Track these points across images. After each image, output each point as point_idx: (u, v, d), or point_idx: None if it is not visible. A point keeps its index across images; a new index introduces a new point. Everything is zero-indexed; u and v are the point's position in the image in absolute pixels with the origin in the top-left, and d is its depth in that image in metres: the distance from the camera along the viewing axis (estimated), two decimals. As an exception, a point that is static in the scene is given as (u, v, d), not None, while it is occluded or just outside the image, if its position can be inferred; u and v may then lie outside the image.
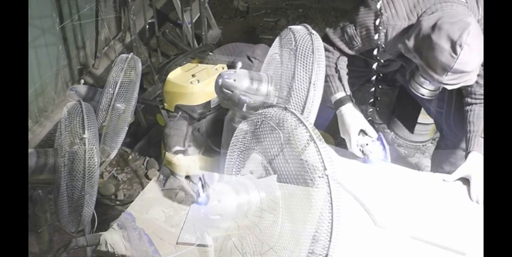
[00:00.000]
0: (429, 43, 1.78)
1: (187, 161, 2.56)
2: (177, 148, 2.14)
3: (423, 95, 1.97)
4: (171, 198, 1.96)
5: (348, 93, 2.09)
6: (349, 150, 2.06)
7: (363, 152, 2.04)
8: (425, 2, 1.91)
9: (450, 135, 2.37)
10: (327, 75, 2.03)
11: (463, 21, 1.77)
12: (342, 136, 2.10)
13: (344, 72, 2.12)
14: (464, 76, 1.78)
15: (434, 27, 1.79)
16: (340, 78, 2.10)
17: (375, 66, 2.11)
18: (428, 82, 1.91)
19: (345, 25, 2.06)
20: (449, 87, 1.86)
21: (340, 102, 2.08)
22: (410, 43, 1.85)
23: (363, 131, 2.05)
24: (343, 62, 2.14)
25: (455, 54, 1.72)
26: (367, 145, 2.03)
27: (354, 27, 2.03)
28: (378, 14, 1.94)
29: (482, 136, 1.97)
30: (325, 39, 2.09)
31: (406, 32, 1.92)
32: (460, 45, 1.71)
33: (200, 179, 1.87)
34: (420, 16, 1.91)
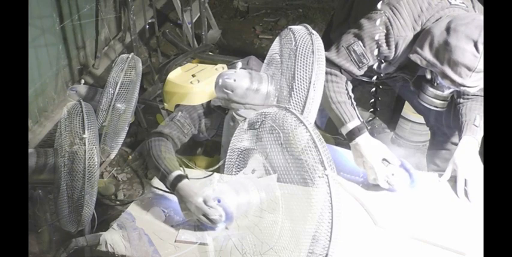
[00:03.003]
0: (448, 47, 1.76)
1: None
2: (177, 172, 1.81)
3: (437, 107, 1.95)
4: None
5: (362, 120, 1.93)
6: (371, 182, 1.90)
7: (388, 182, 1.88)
8: (429, 11, 1.89)
9: (444, 133, 2.36)
10: (337, 103, 1.92)
11: (477, 19, 1.77)
12: (359, 167, 1.93)
13: (352, 97, 2.00)
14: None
15: (448, 31, 1.78)
16: (353, 105, 1.95)
17: (375, 66, 2.11)
18: (440, 92, 1.90)
19: (351, 44, 1.95)
20: (472, 90, 1.83)
21: (357, 131, 1.90)
22: (426, 52, 1.82)
23: (384, 160, 1.89)
24: (350, 86, 2.01)
25: (478, 53, 1.71)
26: (393, 175, 1.87)
27: (361, 44, 1.94)
28: (387, 26, 1.90)
29: (475, 124, 1.98)
30: (329, 64, 1.93)
31: (413, 42, 1.90)
32: (482, 43, 1.70)
33: (219, 202, 1.67)
34: (423, 25, 1.89)
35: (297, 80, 1.68)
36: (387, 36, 1.91)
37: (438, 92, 1.92)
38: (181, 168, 1.83)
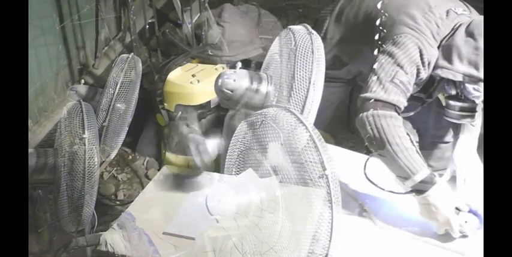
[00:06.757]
0: (480, 52, 1.73)
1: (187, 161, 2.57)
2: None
3: (467, 120, 1.90)
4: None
5: (428, 168, 1.73)
6: (441, 233, 1.72)
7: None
8: (444, 25, 1.86)
9: (432, 134, 2.35)
10: (405, 150, 1.70)
11: None
12: (428, 219, 1.73)
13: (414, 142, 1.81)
14: None
15: (473, 36, 1.75)
16: (418, 152, 1.73)
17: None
18: (470, 104, 1.85)
19: (393, 75, 1.79)
20: None
21: (429, 182, 1.68)
22: (457, 65, 1.77)
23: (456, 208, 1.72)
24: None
25: None
26: (466, 222, 1.70)
27: (404, 72, 1.80)
28: (419, 46, 1.82)
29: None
30: (381, 105, 1.76)
31: (437, 58, 1.85)
32: None
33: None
34: (442, 41, 1.85)
35: (297, 80, 1.68)
36: (422, 57, 1.83)
37: (466, 105, 1.86)
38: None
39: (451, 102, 1.90)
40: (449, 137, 2.22)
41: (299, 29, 1.76)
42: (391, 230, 1.76)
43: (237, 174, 1.67)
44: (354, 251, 1.66)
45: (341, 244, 1.33)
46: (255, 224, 1.51)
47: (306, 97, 1.66)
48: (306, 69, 1.67)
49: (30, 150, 1.80)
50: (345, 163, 2.07)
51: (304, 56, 1.68)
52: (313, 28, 1.76)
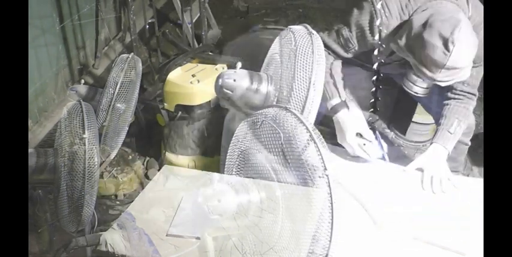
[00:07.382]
0: (421, 41, 1.79)
1: (187, 161, 2.57)
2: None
3: (417, 93, 1.97)
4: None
5: (343, 99, 2.07)
6: (352, 155, 2.06)
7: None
8: (416, 1, 1.91)
9: None
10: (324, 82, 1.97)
11: (454, 18, 1.78)
12: (340, 142, 2.07)
13: (339, 76, 2.11)
14: (458, 72, 1.80)
15: (425, 25, 1.80)
16: (335, 84, 2.07)
17: (375, 66, 2.11)
18: (421, 80, 1.92)
19: (340, 28, 2.04)
20: (443, 84, 1.86)
21: (337, 107, 2.06)
22: (402, 42, 1.86)
23: (359, 134, 2.05)
24: (338, 66, 2.13)
25: (448, 51, 1.73)
26: (364, 145, 2.04)
27: (348, 30, 2.02)
28: (372, 15, 1.94)
29: (450, 131, 2.04)
30: None
31: (398, 31, 1.92)
32: (452, 42, 1.73)
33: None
34: (411, 15, 1.91)
35: (297, 80, 1.68)
36: (371, 24, 1.95)
37: (419, 79, 1.93)
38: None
39: (409, 71, 1.94)
40: (467, 140, 2.29)
41: (299, 29, 1.76)
42: (391, 230, 1.76)
43: (237, 174, 1.67)
44: (354, 251, 1.67)
45: (341, 244, 1.33)
46: (255, 224, 1.51)
47: (306, 97, 1.66)
48: (306, 70, 1.67)
49: (30, 150, 1.80)
50: (345, 163, 2.08)
51: (304, 56, 1.68)
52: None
